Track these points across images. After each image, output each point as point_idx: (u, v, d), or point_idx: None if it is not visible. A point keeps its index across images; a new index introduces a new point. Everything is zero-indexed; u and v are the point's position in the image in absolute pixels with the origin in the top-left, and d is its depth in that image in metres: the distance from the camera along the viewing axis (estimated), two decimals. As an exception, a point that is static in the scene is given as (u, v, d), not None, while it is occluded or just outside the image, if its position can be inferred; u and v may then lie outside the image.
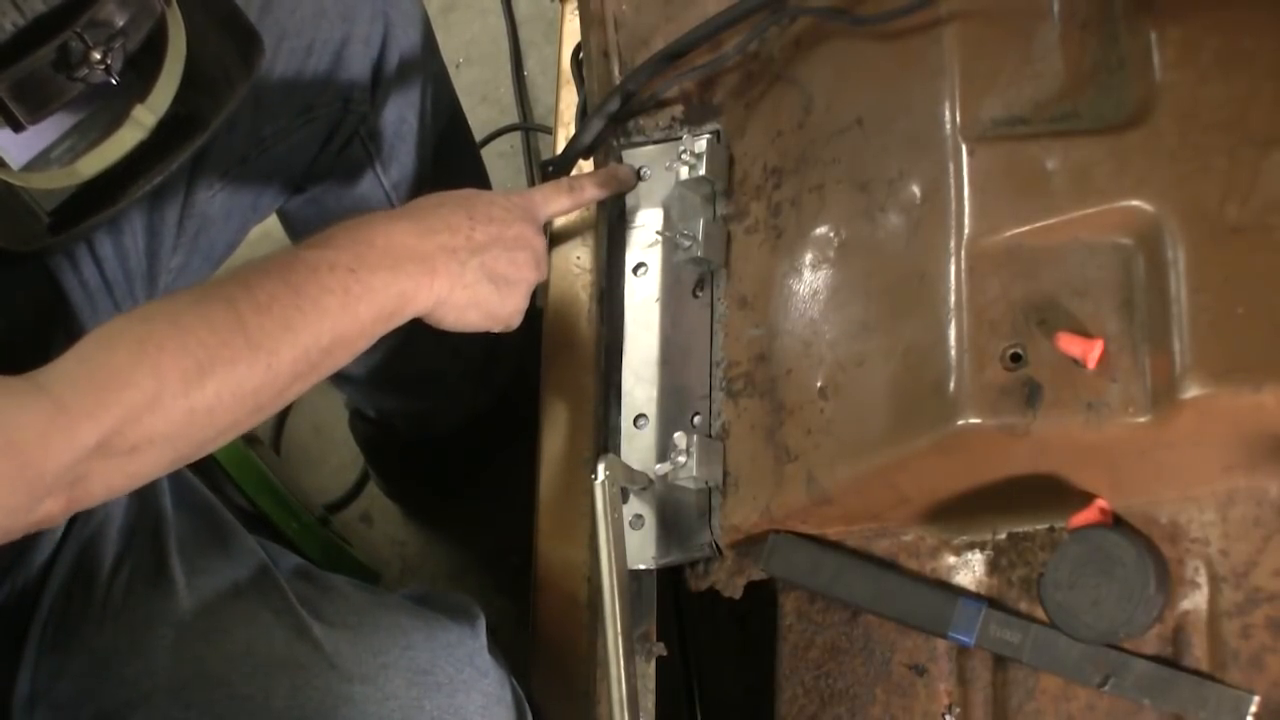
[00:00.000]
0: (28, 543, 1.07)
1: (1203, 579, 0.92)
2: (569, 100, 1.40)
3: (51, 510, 0.85)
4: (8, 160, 0.87)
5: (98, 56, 0.83)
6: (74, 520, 1.09)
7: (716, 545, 1.08)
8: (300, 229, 1.43)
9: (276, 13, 1.18)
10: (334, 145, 1.29)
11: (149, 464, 0.89)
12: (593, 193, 1.19)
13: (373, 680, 1.02)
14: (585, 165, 1.28)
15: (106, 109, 0.90)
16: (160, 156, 0.93)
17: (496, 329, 1.09)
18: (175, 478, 1.20)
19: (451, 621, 1.11)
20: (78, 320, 1.10)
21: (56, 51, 0.82)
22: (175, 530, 1.13)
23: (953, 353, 0.93)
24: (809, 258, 1.06)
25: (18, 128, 0.84)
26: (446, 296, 1.02)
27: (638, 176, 1.21)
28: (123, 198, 0.94)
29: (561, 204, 1.16)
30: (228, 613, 1.07)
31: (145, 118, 0.89)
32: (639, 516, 1.10)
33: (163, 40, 0.89)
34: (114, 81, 0.85)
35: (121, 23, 0.84)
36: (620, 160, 1.21)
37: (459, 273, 1.02)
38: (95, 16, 0.83)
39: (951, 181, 0.96)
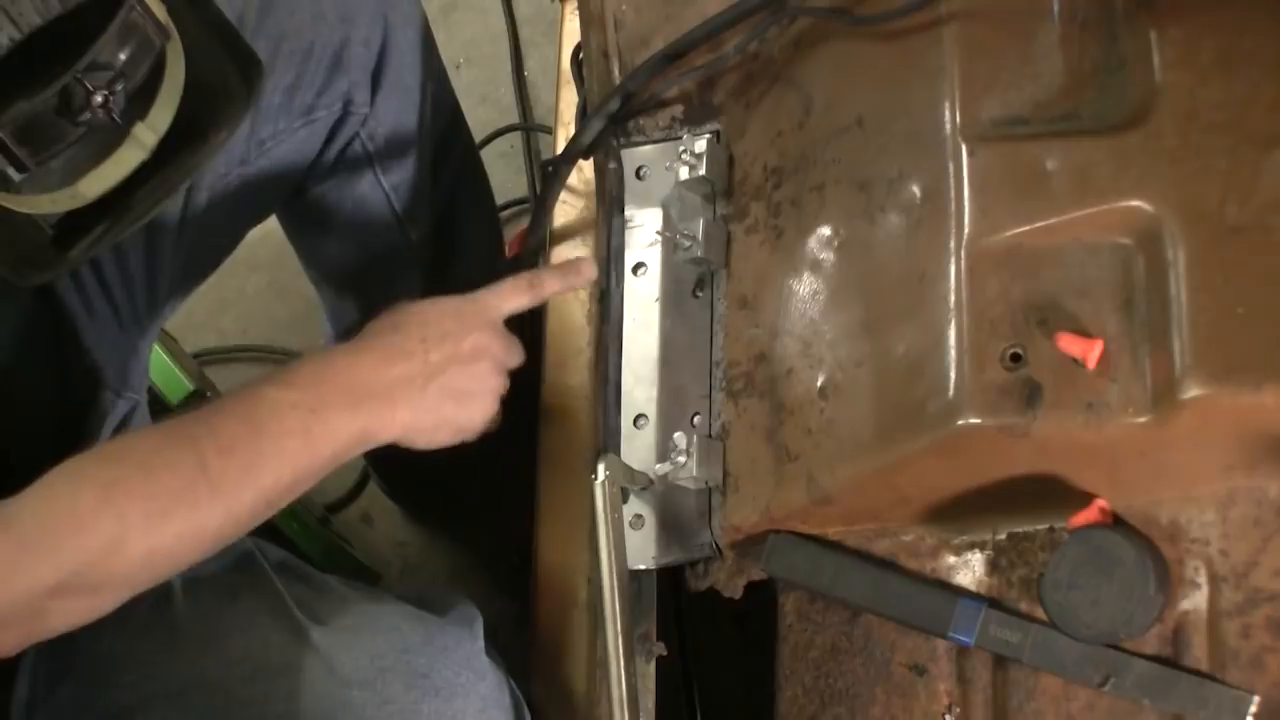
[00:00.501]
0: None
1: (1203, 579, 0.92)
2: (569, 100, 1.40)
3: (8, 640, 0.88)
4: (8, 173, 0.87)
5: (99, 100, 0.84)
6: None
7: (716, 545, 1.08)
8: (301, 230, 1.43)
9: (275, 15, 1.18)
10: (334, 147, 1.29)
11: (109, 600, 0.92)
12: (553, 287, 1.15)
13: (371, 684, 1.02)
14: (585, 165, 1.28)
15: (105, 129, 0.89)
16: (162, 176, 0.93)
17: (470, 439, 1.09)
18: None
19: (450, 624, 1.11)
20: (74, 326, 1.10)
21: (58, 95, 0.82)
22: None
23: (953, 353, 0.93)
24: (809, 258, 1.06)
25: (21, 169, 0.84)
26: (411, 423, 1.03)
27: (639, 175, 1.20)
28: (126, 217, 0.93)
29: (519, 301, 1.12)
30: (225, 617, 1.07)
31: (146, 137, 0.89)
32: (639, 516, 1.10)
33: (162, 60, 0.89)
34: (117, 121, 0.85)
35: (121, 62, 0.84)
36: (620, 160, 1.21)
37: (419, 400, 1.03)
38: (96, 59, 0.83)
39: (951, 181, 0.96)
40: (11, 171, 0.84)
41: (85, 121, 0.84)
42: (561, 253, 1.33)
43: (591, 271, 1.16)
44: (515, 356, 1.11)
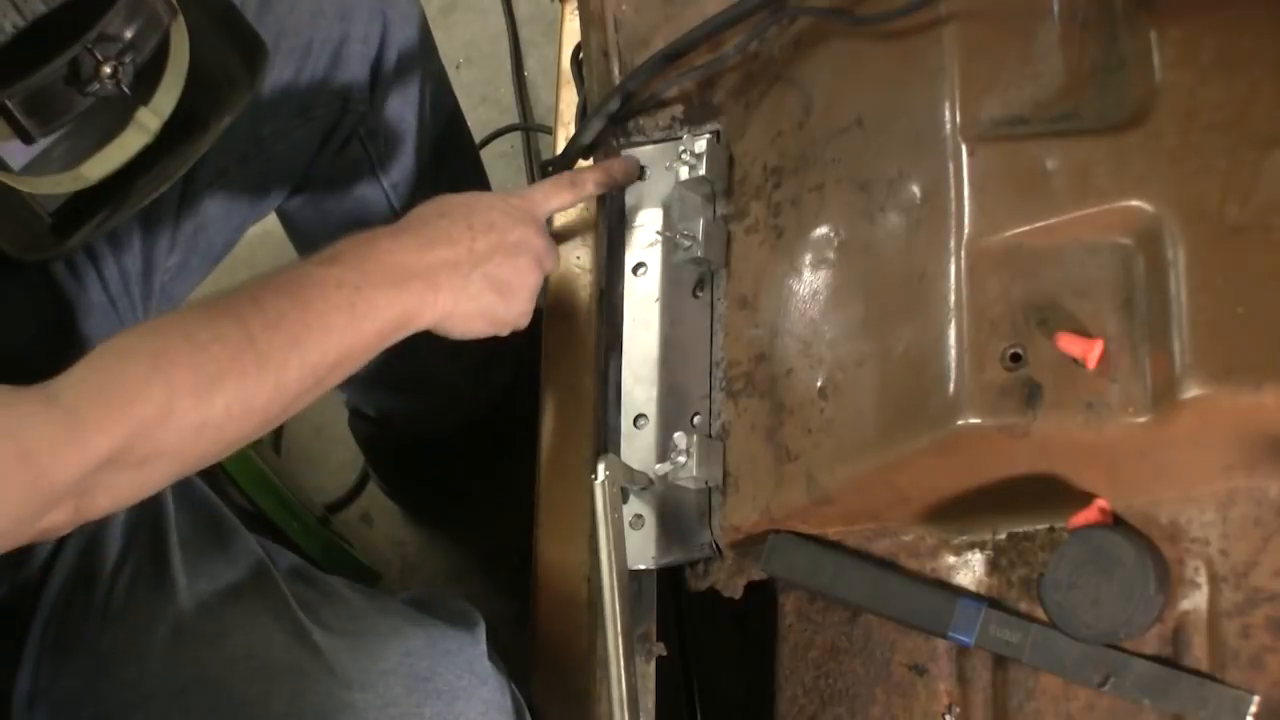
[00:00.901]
0: (25, 545, 1.06)
1: (1203, 579, 0.92)
2: (569, 100, 1.40)
3: (58, 520, 0.86)
4: (8, 162, 0.87)
5: (108, 70, 0.84)
6: None
7: (716, 545, 1.08)
8: (299, 229, 1.43)
9: (274, 12, 1.18)
10: (333, 145, 1.29)
11: (156, 476, 0.91)
12: (595, 187, 1.18)
13: (372, 687, 1.02)
14: (585, 165, 1.28)
15: (109, 111, 0.90)
16: (165, 160, 0.93)
17: (504, 334, 1.10)
18: None
19: (451, 628, 1.11)
20: (71, 316, 1.10)
21: (68, 66, 0.82)
22: (177, 530, 1.13)
23: (953, 353, 0.93)
24: (809, 258, 1.06)
25: (28, 140, 0.84)
26: (451, 310, 1.04)
27: (641, 172, 1.21)
28: (127, 202, 0.94)
29: (563, 199, 1.16)
30: (228, 616, 1.07)
31: (149, 121, 0.89)
32: (639, 516, 1.10)
33: (166, 43, 0.89)
34: (126, 93, 0.85)
35: (131, 35, 0.85)
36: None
37: (462, 286, 1.04)
38: (105, 30, 0.83)
39: (951, 181, 0.96)
40: (18, 143, 0.84)
41: (94, 92, 0.84)
42: (561, 253, 1.33)
43: (634, 170, 1.18)
44: (552, 259, 1.13)
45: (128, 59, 0.84)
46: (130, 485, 0.89)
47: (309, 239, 1.44)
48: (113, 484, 0.87)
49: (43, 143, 0.89)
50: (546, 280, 1.18)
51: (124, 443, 0.85)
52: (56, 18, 0.80)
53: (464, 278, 1.04)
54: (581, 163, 1.26)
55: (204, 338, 0.90)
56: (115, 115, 0.88)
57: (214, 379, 0.89)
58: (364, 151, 1.31)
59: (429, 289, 1.02)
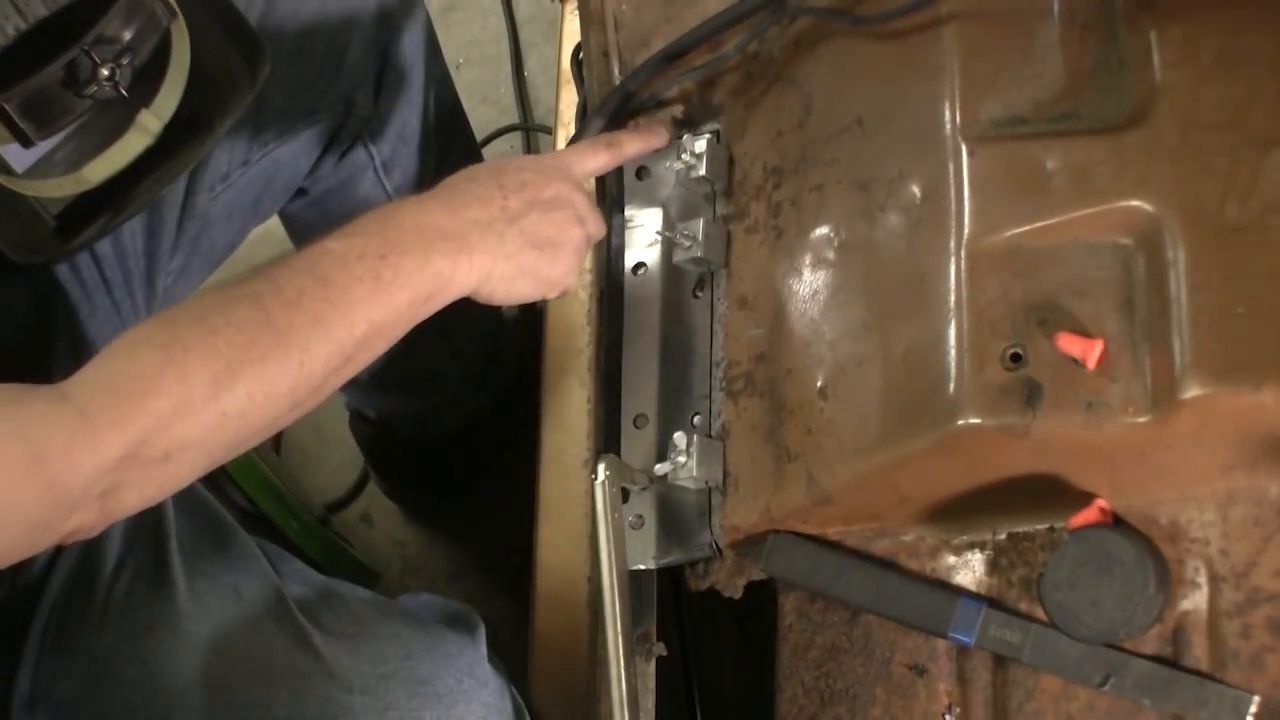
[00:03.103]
0: None
1: (1203, 579, 0.92)
2: (569, 100, 1.40)
3: (85, 521, 0.83)
4: (11, 165, 0.87)
5: (106, 73, 0.83)
6: None
7: (716, 545, 1.08)
8: (302, 231, 1.43)
9: (279, 15, 1.18)
10: (337, 148, 1.29)
11: (183, 470, 0.87)
12: (633, 148, 1.14)
13: (373, 691, 1.02)
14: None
15: (110, 114, 0.89)
16: (166, 162, 0.93)
17: (553, 295, 1.05)
18: None
19: (452, 632, 1.11)
20: (75, 319, 1.10)
21: (65, 69, 0.82)
22: (177, 532, 1.13)
23: (953, 353, 0.93)
24: (809, 258, 1.06)
25: (26, 143, 0.84)
26: (490, 270, 0.98)
27: (639, 172, 1.21)
28: (129, 204, 0.93)
29: (599, 161, 1.11)
30: (229, 618, 1.07)
31: (150, 123, 0.89)
32: (639, 516, 1.10)
33: (167, 45, 0.89)
34: (124, 95, 0.84)
35: (129, 37, 0.84)
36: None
37: (497, 245, 0.98)
38: (103, 33, 0.83)
39: (951, 181, 0.96)
40: (17, 147, 0.83)
41: (91, 94, 0.83)
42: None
43: (666, 133, 1.16)
44: (595, 222, 1.07)
45: (125, 61, 0.84)
46: (157, 481, 0.86)
47: (311, 241, 1.44)
48: (138, 481, 0.84)
49: (45, 145, 0.89)
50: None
51: (140, 439, 0.82)
52: (54, 20, 0.80)
53: (499, 235, 0.98)
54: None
55: (218, 322, 0.86)
56: (117, 117, 0.87)
57: (232, 365, 0.85)
58: (367, 154, 1.31)
59: (462, 250, 0.96)
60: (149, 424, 0.82)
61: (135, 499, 0.85)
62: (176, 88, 0.90)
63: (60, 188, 0.89)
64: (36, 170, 0.87)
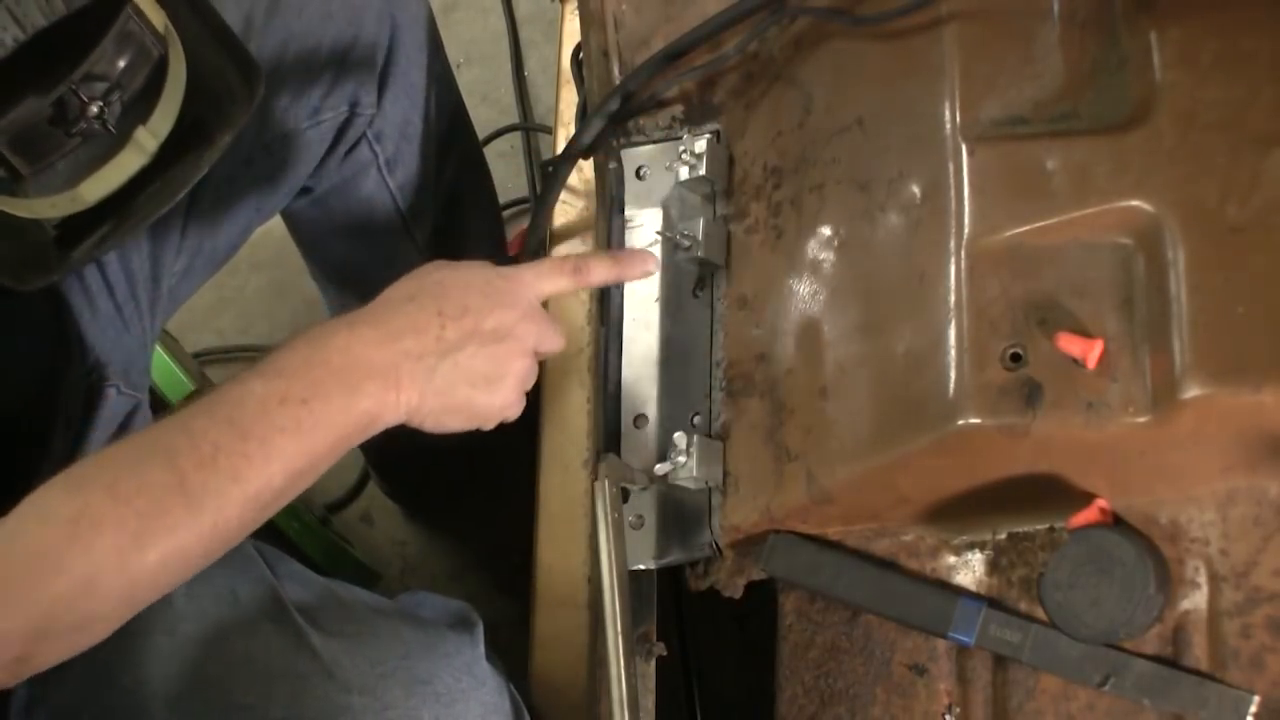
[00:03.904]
0: None
1: (1203, 579, 0.92)
2: (569, 100, 1.40)
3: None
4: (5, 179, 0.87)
5: (94, 110, 0.83)
6: None
7: (716, 545, 1.08)
8: (304, 229, 1.43)
9: (283, 16, 1.18)
10: (340, 148, 1.29)
11: (98, 632, 0.86)
12: (602, 276, 1.05)
13: (371, 690, 1.02)
14: (585, 165, 1.28)
15: (100, 137, 0.89)
16: (166, 179, 0.92)
17: (489, 426, 1.00)
18: None
19: (450, 631, 1.11)
20: (75, 319, 1.10)
21: (53, 106, 0.82)
22: None
23: (953, 353, 0.93)
24: (809, 258, 1.06)
25: (17, 178, 0.83)
26: (418, 406, 0.94)
27: (639, 175, 1.20)
28: (129, 220, 0.92)
29: (560, 285, 1.02)
30: (226, 621, 1.06)
31: (147, 142, 0.88)
32: (639, 516, 1.10)
33: (164, 63, 0.88)
34: (110, 131, 0.84)
35: (118, 72, 0.84)
36: (620, 160, 1.21)
37: (427, 380, 0.93)
38: (91, 70, 0.82)
39: (951, 181, 0.96)
40: (7, 178, 0.83)
41: (80, 131, 0.83)
42: (561, 253, 1.33)
43: (649, 266, 1.07)
44: (550, 341, 1.00)
45: (115, 97, 0.84)
46: (72, 644, 0.85)
47: (314, 239, 1.44)
48: (47, 650, 0.83)
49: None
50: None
51: (45, 617, 0.81)
52: (46, 44, 0.79)
53: (430, 370, 0.93)
54: (581, 163, 1.27)
55: (128, 490, 0.83)
56: (112, 137, 0.87)
57: (140, 536, 0.83)
58: (371, 153, 1.31)
59: (389, 387, 0.92)
60: (54, 605, 0.82)
61: (50, 660, 0.85)
62: (174, 106, 0.90)
63: (55, 207, 0.88)
64: (32, 188, 0.87)
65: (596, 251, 1.07)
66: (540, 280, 1.00)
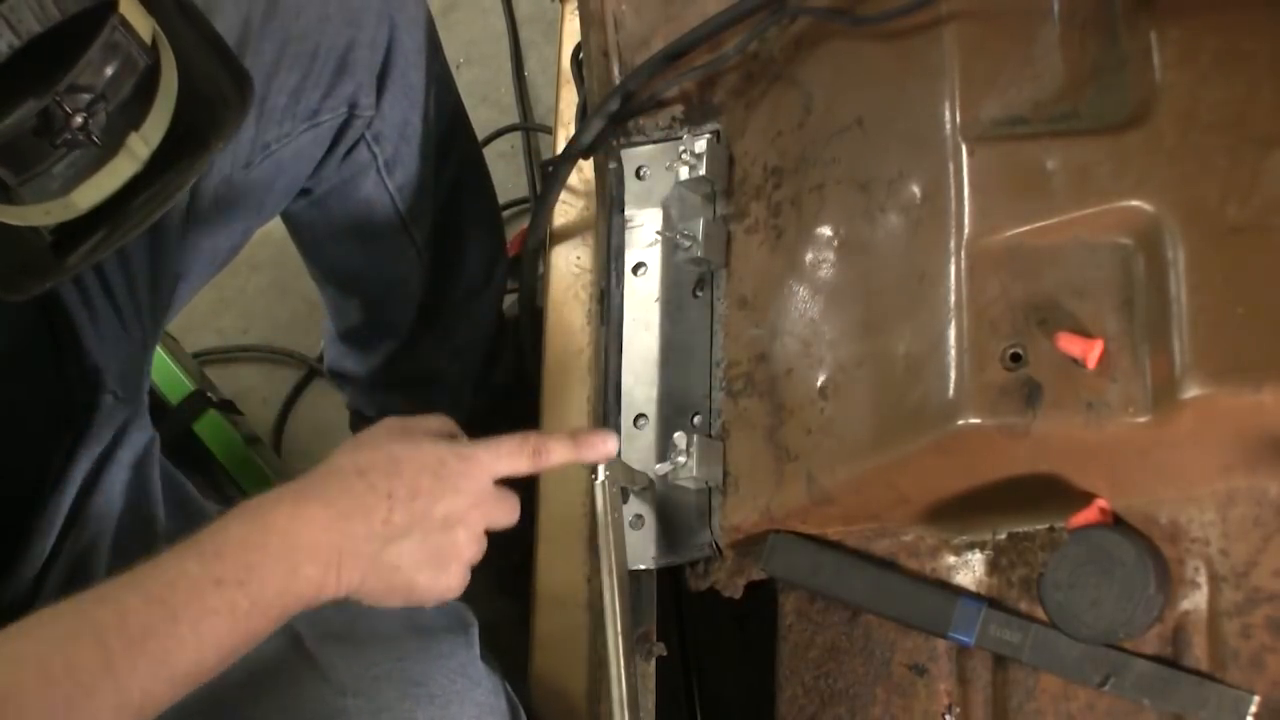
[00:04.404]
0: (17, 554, 1.07)
1: (1203, 579, 0.92)
2: (569, 100, 1.40)
3: None
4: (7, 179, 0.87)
5: (79, 122, 0.83)
6: (65, 535, 1.09)
7: (716, 545, 1.08)
8: (303, 230, 1.43)
9: (281, 18, 1.18)
10: (339, 150, 1.29)
11: None
12: (561, 458, 1.02)
13: (365, 692, 1.02)
14: (585, 165, 1.28)
15: (85, 148, 0.89)
16: (159, 184, 0.92)
17: (430, 605, 0.98)
18: (171, 488, 1.20)
19: (445, 632, 1.11)
20: (73, 323, 1.10)
21: (38, 118, 0.82)
22: (168, 539, 1.12)
23: (953, 353, 0.93)
24: (809, 258, 1.06)
25: (5, 188, 0.84)
26: (358, 586, 0.93)
27: (639, 175, 1.20)
28: (122, 227, 0.92)
29: (518, 466, 0.99)
30: None
31: (139, 148, 0.88)
32: (639, 516, 1.10)
33: (155, 69, 0.88)
34: (95, 143, 0.84)
35: (104, 83, 0.83)
36: (620, 160, 1.21)
37: (369, 564, 0.92)
38: (76, 81, 0.82)
39: (951, 181, 0.96)
40: None
41: (65, 143, 0.83)
42: (561, 253, 1.33)
43: (610, 448, 1.04)
44: (504, 517, 0.99)
45: (99, 108, 0.84)
46: None
47: (313, 240, 1.44)
48: None
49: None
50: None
51: None
52: (29, 63, 0.79)
53: (373, 556, 0.92)
54: (582, 163, 1.27)
55: (57, 668, 0.82)
56: (105, 140, 0.87)
57: (65, 716, 0.81)
58: (370, 154, 1.31)
59: (329, 569, 0.90)
60: None
61: None
62: (166, 112, 0.89)
63: (49, 214, 0.88)
64: (24, 194, 0.86)
65: (555, 433, 1.04)
66: (497, 462, 0.98)
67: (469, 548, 0.97)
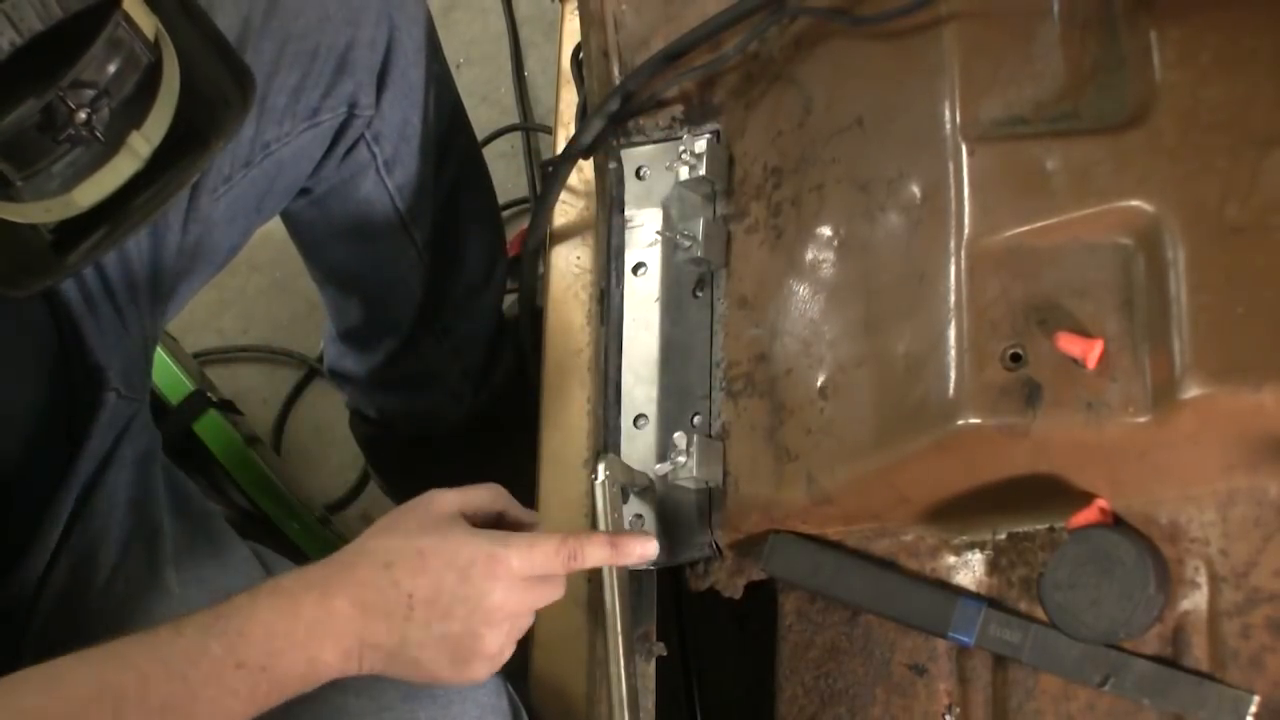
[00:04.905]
0: (21, 552, 1.07)
1: (1203, 579, 0.92)
2: (569, 100, 1.40)
3: None
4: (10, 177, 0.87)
5: (82, 117, 0.83)
6: (69, 532, 1.09)
7: (716, 545, 1.08)
8: (303, 230, 1.43)
9: (281, 17, 1.17)
10: (339, 149, 1.29)
11: None
12: (596, 561, 0.99)
13: (367, 691, 1.02)
14: (585, 165, 1.28)
15: (88, 143, 0.89)
16: (161, 182, 0.92)
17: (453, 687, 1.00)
18: (173, 486, 1.20)
19: None
20: (75, 322, 1.10)
21: (41, 113, 0.82)
22: (171, 541, 1.13)
23: (953, 353, 0.93)
24: (809, 257, 1.06)
25: (7, 185, 0.84)
26: (382, 670, 0.95)
27: (639, 175, 1.20)
28: (124, 224, 0.92)
29: (552, 569, 0.97)
30: None
31: (140, 146, 0.88)
32: (639, 516, 1.10)
33: (157, 67, 0.88)
34: (99, 139, 0.84)
35: (107, 79, 0.84)
36: (620, 160, 1.21)
37: (389, 655, 0.94)
38: (79, 77, 0.82)
39: (951, 181, 0.96)
40: None
41: (68, 138, 0.83)
42: (561, 253, 1.33)
43: (649, 550, 1.01)
44: (542, 599, 0.98)
45: (103, 104, 0.84)
46: None
47: (313, 240, 1.44)
48: None
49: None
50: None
51: None
52: (32, 59, 0.79)
53: (392, 649, 0.94)
54: (581, 163, 1.27)
55: None
56: (104, 142, 0.87)
57: None
58: (370, 155, 1.31)
59: (349, 659, 0.93)
60: None
61: None
62: (167, 110, 0.89)
63: (49, 212, 0.88)
64: (26, 192, 0.86)
65: (593, 536, 1.00)
66: (529, 566, 0.96)
67: (494, 644, 0.96)
